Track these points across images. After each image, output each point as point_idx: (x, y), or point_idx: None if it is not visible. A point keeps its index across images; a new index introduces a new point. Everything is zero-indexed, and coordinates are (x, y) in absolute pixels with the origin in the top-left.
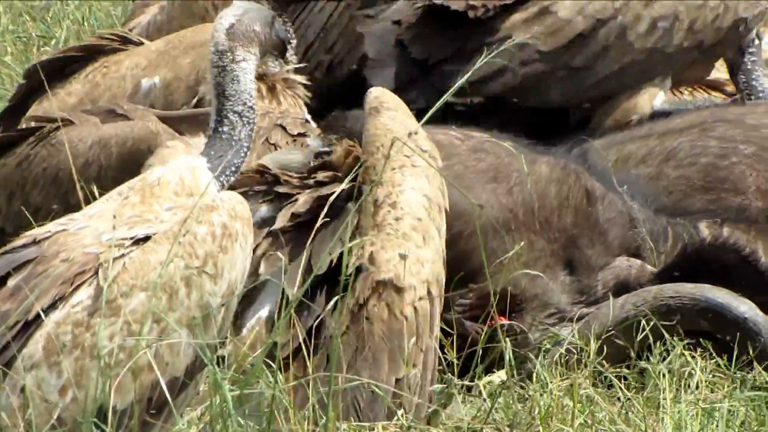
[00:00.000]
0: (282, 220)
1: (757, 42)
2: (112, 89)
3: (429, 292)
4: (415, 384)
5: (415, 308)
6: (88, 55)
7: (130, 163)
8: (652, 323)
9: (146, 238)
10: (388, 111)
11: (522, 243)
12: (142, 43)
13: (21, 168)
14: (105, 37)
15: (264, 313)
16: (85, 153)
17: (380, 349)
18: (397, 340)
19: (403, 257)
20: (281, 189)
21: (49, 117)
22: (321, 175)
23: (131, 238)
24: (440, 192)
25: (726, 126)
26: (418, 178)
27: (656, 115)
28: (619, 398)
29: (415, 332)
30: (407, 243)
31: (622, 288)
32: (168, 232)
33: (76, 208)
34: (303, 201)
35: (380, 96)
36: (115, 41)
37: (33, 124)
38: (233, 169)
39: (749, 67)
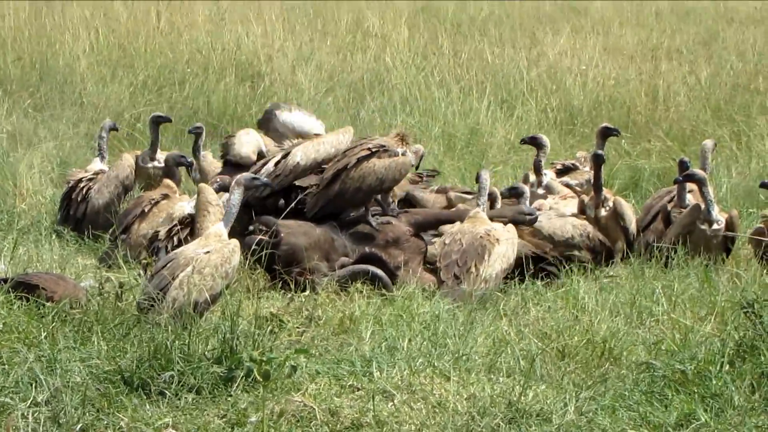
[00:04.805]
0: None
1: None
2: None
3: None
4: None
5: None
6: None
7: None
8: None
9: (209, 251)
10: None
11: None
12: None
13: None
14: None
15: None
16: None
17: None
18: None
19: (207, 253)
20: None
21: None
22: None
23: (205, 252)
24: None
25: None
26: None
27: None
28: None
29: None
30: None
31: (342, 266)
32: (214, 249)
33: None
34: None
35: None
36: None
37: None
38: (230, 225)
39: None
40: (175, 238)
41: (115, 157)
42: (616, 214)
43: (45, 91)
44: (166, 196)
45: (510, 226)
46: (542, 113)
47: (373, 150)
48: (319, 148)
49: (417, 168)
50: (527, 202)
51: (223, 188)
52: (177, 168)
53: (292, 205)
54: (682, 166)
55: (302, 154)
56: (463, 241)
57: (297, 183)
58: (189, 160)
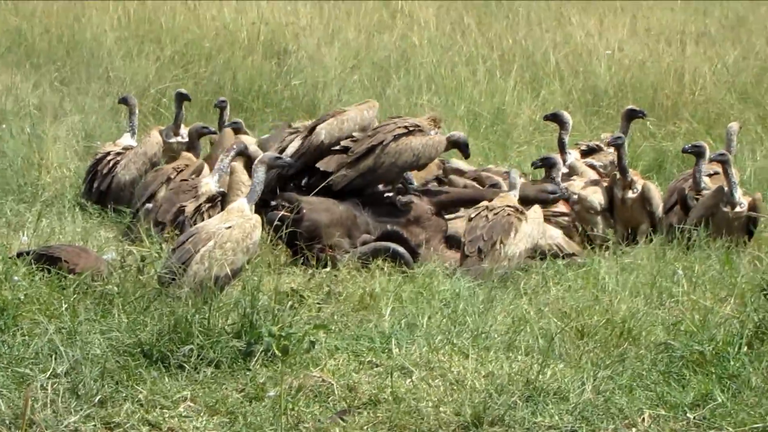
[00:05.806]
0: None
1: None
2: None
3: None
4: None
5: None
6: None
7: None
8: (374, 252)
9: (230, 227)
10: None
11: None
12: None
13: None
14: None
15: None
16: None
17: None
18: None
19: (229, 228)
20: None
21: None
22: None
23: (227, 227)
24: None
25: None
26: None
27: None
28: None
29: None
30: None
31: (364, 243)
32: (236, 224)
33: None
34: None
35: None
36: None
37: None
38: (255, 202)
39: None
40: (205, 215)
41: (141, 133)
42: (643, 198)
43: (71, 64)
44: (186, 167)
45: (536, 207)
46: (568, 94)
47: (410, 129)
48: (343, 126)
49: (467, 157)
50: (559, 174)
51: (240, 153)
52: (199, 141)
53: (324, 184)
54: (698, 149)
55: (326, 132)
56: (489, 216)
57: (322, 168)
58: (212, 129)
